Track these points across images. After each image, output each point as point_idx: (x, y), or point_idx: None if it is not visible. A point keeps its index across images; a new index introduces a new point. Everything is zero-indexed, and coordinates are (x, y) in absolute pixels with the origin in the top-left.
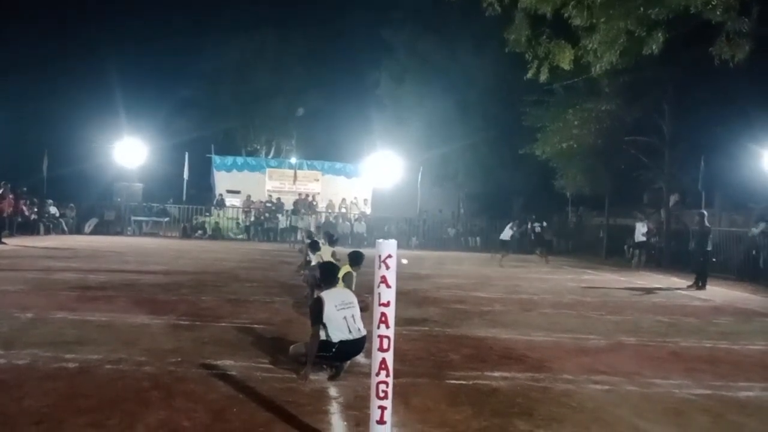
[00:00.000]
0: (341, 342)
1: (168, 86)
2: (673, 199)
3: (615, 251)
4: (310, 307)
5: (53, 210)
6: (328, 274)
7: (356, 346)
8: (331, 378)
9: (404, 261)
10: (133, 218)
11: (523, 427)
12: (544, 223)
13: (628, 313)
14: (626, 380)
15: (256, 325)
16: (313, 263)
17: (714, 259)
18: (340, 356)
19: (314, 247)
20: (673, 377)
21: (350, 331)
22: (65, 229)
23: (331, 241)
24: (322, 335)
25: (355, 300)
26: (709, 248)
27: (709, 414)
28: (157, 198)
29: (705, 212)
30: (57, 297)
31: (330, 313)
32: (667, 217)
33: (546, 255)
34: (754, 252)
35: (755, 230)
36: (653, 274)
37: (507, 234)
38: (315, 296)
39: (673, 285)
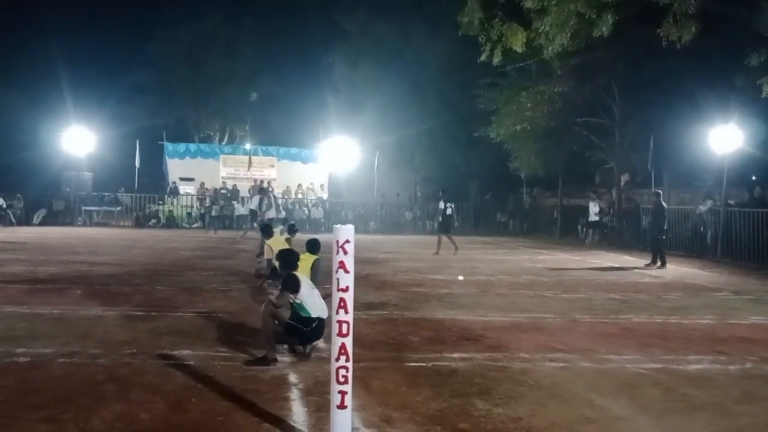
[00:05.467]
0: (319, 318)
1: (117, 72)
2: (623, 178)
3: (569, 231)
4: (284, 280)
5: (0, 201)
6: (288, 262)
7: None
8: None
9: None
10: (83, 208)
11: (482, 406)
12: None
13: (582, 291)
14: (581, 357)
15: (213, 314)
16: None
17: (664, 237)
18: (315, 333)
19: (266, 232)
20: (626, 353)
21: (323, 309)
22: (13, 220)
23: (292, 231)
24: (302, 312)
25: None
26: (665, 227)
27: (660, 387)
28: (108, 187)
29: (660, 192)
30: (6, 290)
31: (305, 291)
32: (618, 197)
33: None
34: (701, 229)
35: (702, 208)
36: (606, 253)
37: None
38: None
39: (626, 263)
